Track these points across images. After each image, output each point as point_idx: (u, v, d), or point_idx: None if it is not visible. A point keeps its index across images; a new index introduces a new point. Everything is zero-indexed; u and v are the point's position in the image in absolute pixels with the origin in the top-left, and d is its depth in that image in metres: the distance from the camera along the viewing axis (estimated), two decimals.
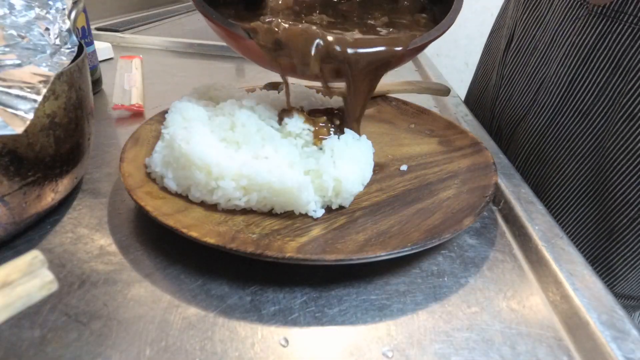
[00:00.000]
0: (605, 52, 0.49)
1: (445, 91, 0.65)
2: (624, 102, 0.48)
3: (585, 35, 0.50)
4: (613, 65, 0.48)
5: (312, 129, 0.41)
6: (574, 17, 0.52)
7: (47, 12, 0.35)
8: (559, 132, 0.55)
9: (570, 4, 0.52)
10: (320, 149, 0.40)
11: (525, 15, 0.62)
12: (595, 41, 0.49)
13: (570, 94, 0.53)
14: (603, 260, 0.55)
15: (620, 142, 0.49)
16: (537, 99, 0.58)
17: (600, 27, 0.48)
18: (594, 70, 0.50)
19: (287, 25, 0.36)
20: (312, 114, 0.43)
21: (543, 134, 0.57)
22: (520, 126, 0.62)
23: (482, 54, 0.81)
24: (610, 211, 0.52)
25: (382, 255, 0.31)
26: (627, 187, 0.49)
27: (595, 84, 0.50)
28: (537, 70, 0.59)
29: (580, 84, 0.52)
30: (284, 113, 0.42)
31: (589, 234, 0.55)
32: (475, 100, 0.81)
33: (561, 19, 0.54)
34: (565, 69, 0.53)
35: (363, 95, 0.39)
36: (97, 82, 0.66)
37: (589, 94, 0.51)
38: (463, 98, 0.77)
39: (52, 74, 0.31)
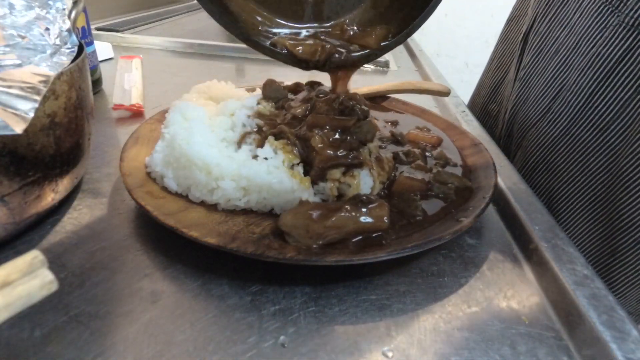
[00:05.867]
0: (631, 68, 0.46)
1: (445, 92, 0.65)
2: None
3: (612, 47, 0.47)
4: (638, 83, 0.46)
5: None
6: (603, 25, 0.49)
7: (47, 12, 0.35)
8: (572, 145, 0.53)
9: (600, 10, 0.49)
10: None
11: (551, 13, 0.58)
12: (622, 55, 0.47)
13: (588, 106, 0.51)
14: (604, 277, 0.53)
15: (636, 163, 0.47)
16: (553, 107, 0.55)
17: (629, 40, 0.46)
18: (617, 85, 0.48)
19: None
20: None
21: (555, 144, 0.55)
22: (531, 133, 0.59)
23: (497, 43, 0.77)
24: (616, 230, 0.50)
25: (382, 256, 0.31)
26: (636, 209, 0.48)
27: (617, 100, 0.48)
28: (556, 76, 0.56)
29: (601, 98, 0.49)
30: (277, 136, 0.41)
31: (592, 250, 0.54)
32: (487, 93, 0.77)
33: (588, 24, 0.51)
34: (587, 80, 0.50)
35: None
36: (97, 82, 0.66)
37: (609, 110, 0.49)
38: (463, 97, 0.76)
39: (52, 74, 0.31)
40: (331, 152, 0.38)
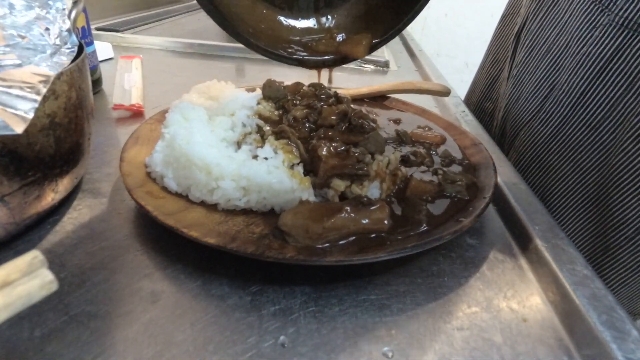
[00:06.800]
0: (621, 67, 0.47)
1: (445, 92, 0.65)
2: (634, 121, 0.46)
3: (602, 46, 0.48)
4: (628, 82, 0.46)
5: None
6: (593, 24, 0.49)
7: (47, 12, 0.35)
8: (565, 143, 0.53)
9: (590, 9, 0.50)
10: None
11: (543, 12, 0.59)
12: (613, 54, 0.47)
13: (580, 105, 0.51)
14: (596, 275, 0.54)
15: (627, 161, 0.47)
16: (545, 106, 0.56)
17: (619, 39, 0.46)
18: (608, 84, 0.48)
19: None
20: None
21: (548, 143, 0.56)
22: (523, 131, 0.60)
23: (491, 40, 0.77)
24: (608, 228, 0.51)
25: (382, 256, 0.31)
26: (627, 206, 0.48)
27: (608, 99, 0.49)
28: (548, 75, 0.56)
29: (592, 96, 0.50)
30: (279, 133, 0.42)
31: (584, 247, 0.55)
32: (481, 91, 0.78)
33: (579, 24, 0.51)
34: (578, 79, 0.51)
35: None
36: (97, 82, 0.66)
37: (600, 108, 0.49)
38: (463, 97, 0.76)
39: (52, 74, 0.31)
40: (336, 161, 0.38)
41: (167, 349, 0.26)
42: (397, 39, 1.29)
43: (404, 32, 1.43)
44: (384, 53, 1.01)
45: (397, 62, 1.01)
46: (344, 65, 0.96)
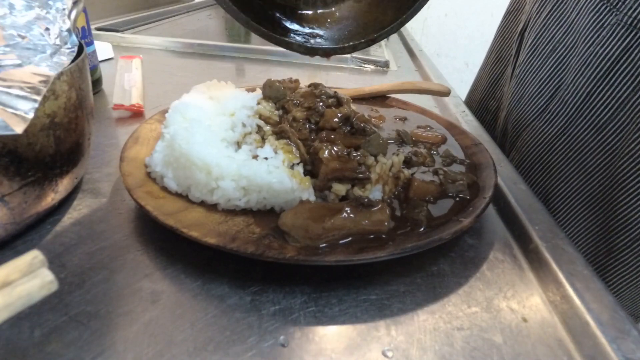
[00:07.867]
0: (628, 67, 0.46)
1: (445, 92, 0.65)
2: None
3: (610, 46, 0.47)
4: (635, 83, 0.46)
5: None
6: (600, 24, 0.48)
7: (47, 12, 0.35)
8: (569, 144, 0.53)
9: (598, 8, 0.49)
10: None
11: (546, 11, 0.58)
12: (620, 54, 0.47)
13: (586, 106, 0.51)
14: (599, 276, 0.54)
15: (632, 163, 0.47)
16: (550, 106, 0.55)
17: (627, 39, 0.46)
18: (615, 85, 0.48)
19: None
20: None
21: (552, 144, 0.55)
22: (526, 132, 0.59)
23: (494, 37, 0.76)
24: (612, 229, 0.51)
25: (382, 256, 0.31)
26: (632, 208, 0.48)
27: (614, 100, 0.48)
28: (552, 75, 0.56)
29: (598, 97, 0.49)
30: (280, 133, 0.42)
31: (588, 249, 0.54)
32: (484, 89, 0.77)
33: (586, 23, 0.50)
34: (584, 80, 0.50)
35: None
36: (97, 82, 0.66)
37: (606, 109, 0.49)
38: (463, 97, 0.76)
39: (52, 74, 0.31)
40: (337, 164, 0.38)
41: (167, 349, 0.26)
42: (397, 39, 1.29)
43: (404, 32, 1.43)
44: (384, 53, 1.01)
45: (397, 62, 1.01)
46: (344, 65, 0.96)
